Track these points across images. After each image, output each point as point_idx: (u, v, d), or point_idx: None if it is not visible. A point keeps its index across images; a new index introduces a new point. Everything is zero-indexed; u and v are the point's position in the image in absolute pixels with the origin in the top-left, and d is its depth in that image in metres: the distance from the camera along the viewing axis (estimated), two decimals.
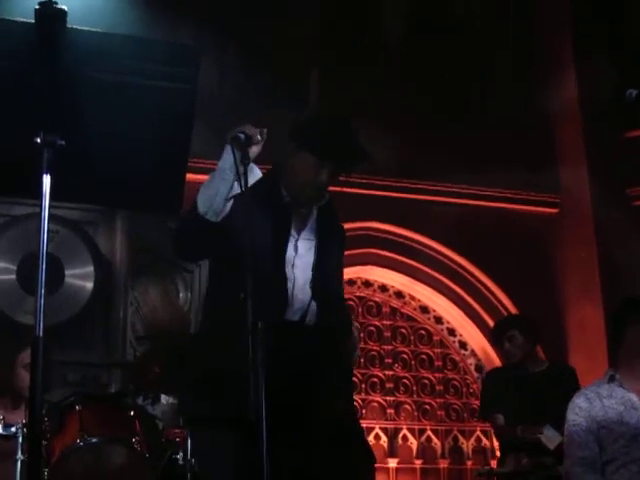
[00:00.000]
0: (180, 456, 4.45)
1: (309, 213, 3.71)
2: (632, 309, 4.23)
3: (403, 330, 9.14)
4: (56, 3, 2.45)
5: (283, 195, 3.64)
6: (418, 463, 8.88)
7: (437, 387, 9.09)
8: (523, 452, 5.65)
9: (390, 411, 8.87)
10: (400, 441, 8.82)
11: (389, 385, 8.93)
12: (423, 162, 8.73)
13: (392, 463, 8.74)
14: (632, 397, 4.09)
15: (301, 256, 3.61)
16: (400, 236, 8.90)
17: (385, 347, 9.03)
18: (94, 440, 4.56)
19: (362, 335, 8.58)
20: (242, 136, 3.35)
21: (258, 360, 2.95)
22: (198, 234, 3.50)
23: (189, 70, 2.64)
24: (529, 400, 5.83)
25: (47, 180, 2.53)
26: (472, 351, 9.14)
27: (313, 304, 3.55)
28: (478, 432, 8.94)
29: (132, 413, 4.68)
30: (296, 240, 3.63)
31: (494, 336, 6.41)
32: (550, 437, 5.46)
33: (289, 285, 3.52)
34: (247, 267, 3.04)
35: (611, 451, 4.01)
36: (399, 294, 9.21)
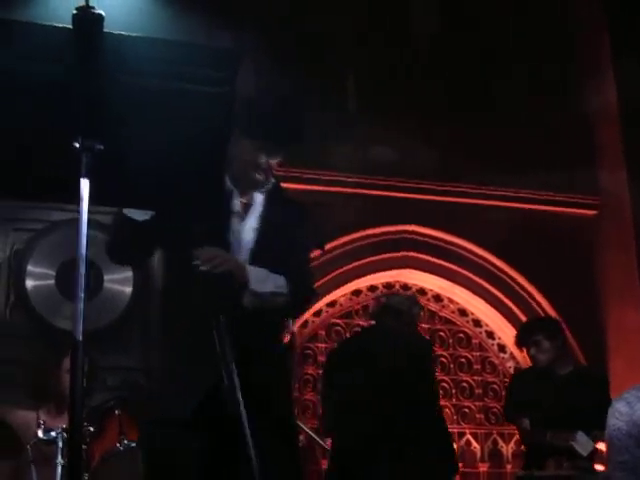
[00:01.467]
0: None
1: (252, 198, 3.74)
2: None
3: (442, 333, 9.11)
4: (93, 8, 2.46)
5: (226, 183, 3.66)
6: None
7: (476, 390, 9.04)
8: (564, 456, 5.62)
9: None
10: None
11: None
12: (460, 165, 8.70)
13: None
14: None
15: (243, 242, 3.64)
16: (438, 239, 8.87)
17: None
18: (133, 445, 4.58)
19: None
20: None
21: (227, 354, 2.98)
22: (126, 235, 3.51)
23: (229, 74, 2.64)
24: (555, 403, 5.78)
25: (85, 184, 2.54)
26: (511, 354, 9.09)
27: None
28: (517, 435, 8.89)
29: None
30: (239, 227, 3.67)
31: (519, 340, 6.34)
32: (583, 443, 5.43)
33: None
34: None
35: None
36: (437, 297, 9.17)
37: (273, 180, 3.79)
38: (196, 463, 3.44)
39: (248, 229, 3.70)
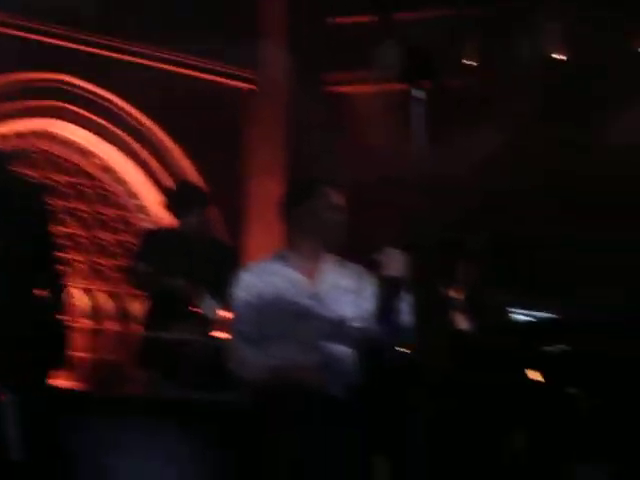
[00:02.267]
0: None
1: None
2: (302, 190, 4.29)
3: (86, 189, 8.95)
4: None
5: None
6: (88, 323, 8.81)
7: (114, 249, 9.00)
8: (187, 320, 5.68)
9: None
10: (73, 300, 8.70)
11: (63, 242, 8.73)
12: (123, 19, 8.46)
13: None
14: (298, 277, 4.18)
15: None
16: (90, 92, 8.64)
17: (63, 204, 8.81)
18: None
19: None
20: None
21: None
22: None
23: None
24: (181, 268, 5.79)
25: None
26: (151, 215, 9.07)
27: None
28: None
29: None
30: None
31: (171, 204, 6.28)
32: (209, 306, 5.54)
33: None
34: None
35: (274, 328, 4.09)
36: (84, 152, 8.96)
37: None
38: None
39: None
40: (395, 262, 3.84)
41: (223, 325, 5.36)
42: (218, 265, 5.68)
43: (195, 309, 5.63)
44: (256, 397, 3.93)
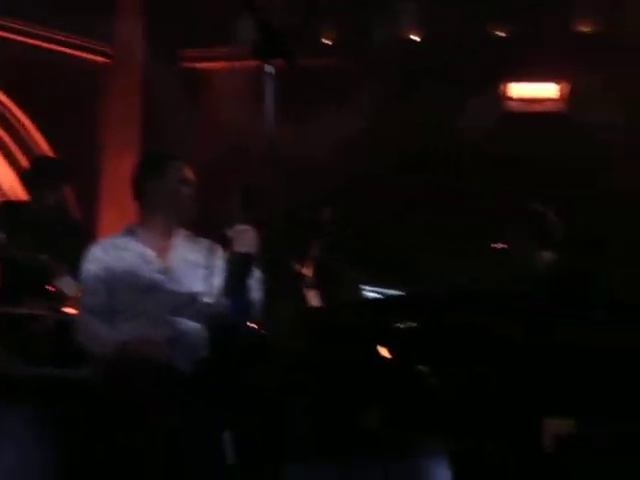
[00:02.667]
0: None
1: None
2: (152, 165, 4.28)
3: None
4: None
5: None
6: None
7: None
8: (42, 297, 5.59)
9: None
10: None
11: None
12: None
13: None
14: (148, 251, 4.16)
15: None
16: None
17: None
18: None
19: None
20: None
21: None
22: None
23: None
24: (36, 240, 5.69)
25: None
26: (4, 190, 8.86)
27: None
28: None
29: None
30: None
31: (29, 178, 6.16)
32: (66, 282, 5.45)
33: None
34: None
35: (123, 302, 4.07)
36: None
37: None
38: None
39: None
40: (246, 238, 3.86)
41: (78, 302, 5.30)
42: (74, 241, 5.60)
43: (50, 285, 5.53)
44: (105, 372, 3.90)
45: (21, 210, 5.97)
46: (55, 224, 5.86)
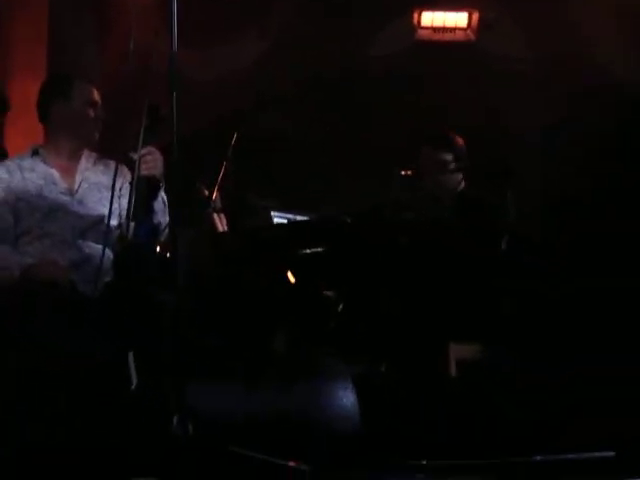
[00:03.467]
0: None
1: None
2: (57, 86, 4.24)
3: None
4: None
5: None
6: None
7: None
8: None
9: None
10: None
11: None
12: None
13: None
14: (53, 172, 4.12)
15: None
16: None
17: None
18: None
19: None
20: None
21: None
22: None
23: None
24: None
25: None
26: None
27: None
28: None
29: None
30: None
31: None
32: None
33: None
34: None
35: (27, 224, 4.03)
36: None
37: None
38: None
39: None
40: (151, 160, 3.83)
41: None
42: None
43: None
44: (5, 295, 3.87)
45: None
46: None
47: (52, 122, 4.19)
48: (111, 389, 3.51)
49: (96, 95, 4.21)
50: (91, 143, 4.23)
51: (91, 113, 4.17)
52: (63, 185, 4.12)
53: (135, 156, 3.75)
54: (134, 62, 3.72)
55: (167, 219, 3.97)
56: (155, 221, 3.96)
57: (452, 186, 5.37)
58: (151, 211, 3.93)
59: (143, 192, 3.88)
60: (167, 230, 3.98)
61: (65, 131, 4.18)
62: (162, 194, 3.98)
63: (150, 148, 3.79)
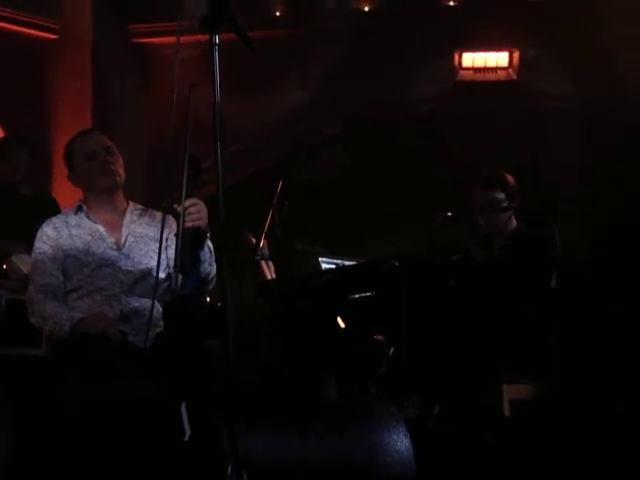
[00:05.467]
0: None
1: None
2: (64, 154, 4.30)
3: None
4: None
5: None
6: None
7: None
8: None
9: None
10: None
11: None
12: None
13: None
14: (99, 228, 4.13)
15: None
16: None
17: None
18: None
19: None
20: None
21: None
22: None
23: None
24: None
25: None
26: None
27: None
28: None
29: None
30: None
31: None
32: (23, 260, 5.41)
33: None
34: None
35: (76, 280, 4.05)
36: None
37: None
38: None
39: None
40: (197, 212, 3.83)
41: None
42: (35, 218, 5.57)
43: (5, 263, 5.48)
44: (57, 350, 3.88)
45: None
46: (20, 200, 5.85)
47: (76, 183, 4.30)
48: (165, 439, 3.49)
49: (100, 142, 4.24)
50: (110, 189, 4.22)
51: (93, 164, 4.18)
52: (110, 240, 4.13)
53: (179, 208, 3.74)
54: (176, 114, 3.73)
55: (214, 268, 3.98)
56: (202, 271, 3.95)
57: (504, 225, 5.34)
58: (198, 261, 3.92)
59: (189, 243, 3.87)
60: (215, 279, 4.00)
61: (86, 188, 4.25)
62: (209, 243, 3.97)
63: (193, 200, 3.77)
